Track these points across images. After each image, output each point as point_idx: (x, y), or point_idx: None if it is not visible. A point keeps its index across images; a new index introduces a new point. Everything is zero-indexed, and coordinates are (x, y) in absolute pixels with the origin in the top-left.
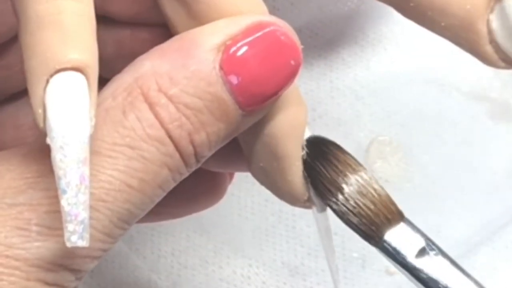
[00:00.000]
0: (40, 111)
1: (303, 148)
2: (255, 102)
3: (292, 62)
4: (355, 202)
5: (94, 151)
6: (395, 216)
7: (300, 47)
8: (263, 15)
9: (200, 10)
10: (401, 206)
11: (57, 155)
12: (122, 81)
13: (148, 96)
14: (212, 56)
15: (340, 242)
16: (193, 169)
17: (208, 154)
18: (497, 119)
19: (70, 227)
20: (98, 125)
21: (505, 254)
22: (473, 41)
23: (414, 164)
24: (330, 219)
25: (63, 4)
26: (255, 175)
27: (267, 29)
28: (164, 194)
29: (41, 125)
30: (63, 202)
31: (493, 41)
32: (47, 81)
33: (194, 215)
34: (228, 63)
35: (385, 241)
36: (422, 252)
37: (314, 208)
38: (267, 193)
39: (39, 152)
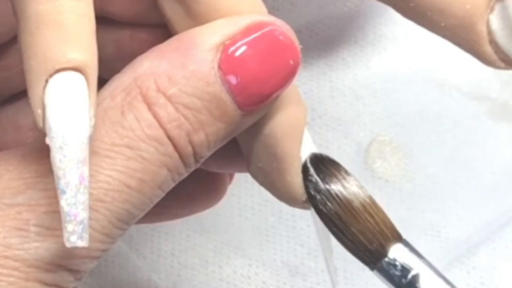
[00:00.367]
0: (39, 111)
1: (307, 167)
2: (254, 102)
3: (291, 62)
4: (349, 228)
5: (92, 151)
6: (393, 237)
7: (299, 47)
8: (262, 15)
9: (199, 10)
10: (401, 206)
11: (56, 155)
12: (121, 81)
13: (146, 96)
14: (210, 56)
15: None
16: (192, 169)
17: (207, 154)
18: (497, 119)
19: (69, 227)
20: (96, 125)
21: (505, 254)
22: (473, 42)
23: (414, 164)
24: None
25: (62, 4)
26: (254, 175)
27: (265, 29)
28: (163, 194)
29: (41, 125)
30: (62, 202)
31: (493, 42)
32: (47, 81)
33: (194, 215)
34: (227, 63)
35: (383, 262)
36: (417, 274)
37: (312, 209)
38: (267, 193)
39: (38, 152)
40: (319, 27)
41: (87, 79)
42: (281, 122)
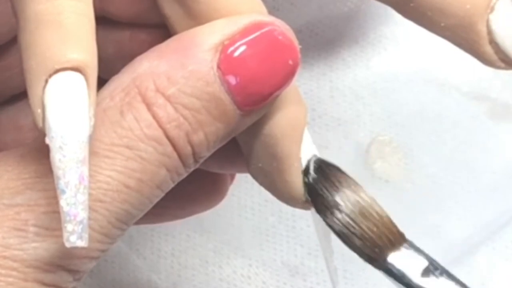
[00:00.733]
0: (39, 111)
1: (308, 171)
2: (253, 102)
3: (290, 62)
4: (358, 225)
5: (92, 151)
6: (398, 238)
7: (298, 47)
8: (261, 15)
9: (199, 10)
10: (401, 206)
11: (56, 155)
12: (120, 81)
13: (145, 96)
14: (210, 56)
15: (340, 242)
16: (192, 169)
17: (206, 154)
18: (497, 119)
19: (69, 227)
20: (96, 125)
21: (505, 254)
22: (472, 42)
23: (414, 164)
24: None
25: (62, 4)
26: (254, 176)
27: (265, 29)
28: (163, 194)
29: (40, 125)
30: (62, 202)
31: (492, 42)
32: (46, 81)
33: (194, 215)
34: (226, 63)
35: (388, 263)
36: (426, 272)
37: (313, 209)
38: (267, 193)
39: (37, 152)
40: (319, 27)
41: (86, 79)
42: (281, 122)
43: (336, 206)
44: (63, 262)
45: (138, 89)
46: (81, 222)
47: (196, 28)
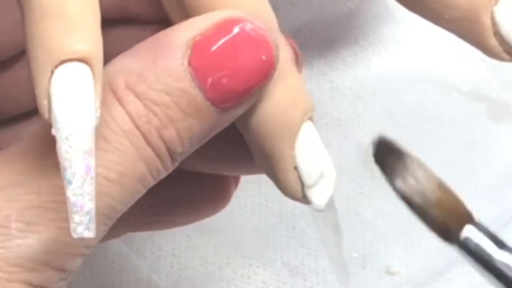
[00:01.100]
0: (45, 102)
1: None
2: (227, 98)
3: (264, 58)
4: (434, 195)
5: None
6: (469, 214)
7: (274, 42)
8: (234, 10)
9: (193, 6)
10: (401, 206)
11: (62, 146)
12: None
13: (116, 93)
14: (181, 52)
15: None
16: (171, 167)
17: (182, 150)
18: (497, 119)
19: (76, 218)
20: None
21: None
22: (477, 34)
23: None
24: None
25: None
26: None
27: (237, 25)
28: (144, 190)
29: (46, 116)
30: (69, 193)
31: (497, 34)
32: (52, 72)
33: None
34: (197, 58)
35: (464, 237)
36: (502, 245)
37: (313, 210)
38: (267, 193)
39: (20, 151)
40: (319, 27)
41: (92, 70)
42: (268, 121)
43: (412, 173)
44: (48, 258)
45: (109, 86)
46: (88, 212)
47: (174, 25)
